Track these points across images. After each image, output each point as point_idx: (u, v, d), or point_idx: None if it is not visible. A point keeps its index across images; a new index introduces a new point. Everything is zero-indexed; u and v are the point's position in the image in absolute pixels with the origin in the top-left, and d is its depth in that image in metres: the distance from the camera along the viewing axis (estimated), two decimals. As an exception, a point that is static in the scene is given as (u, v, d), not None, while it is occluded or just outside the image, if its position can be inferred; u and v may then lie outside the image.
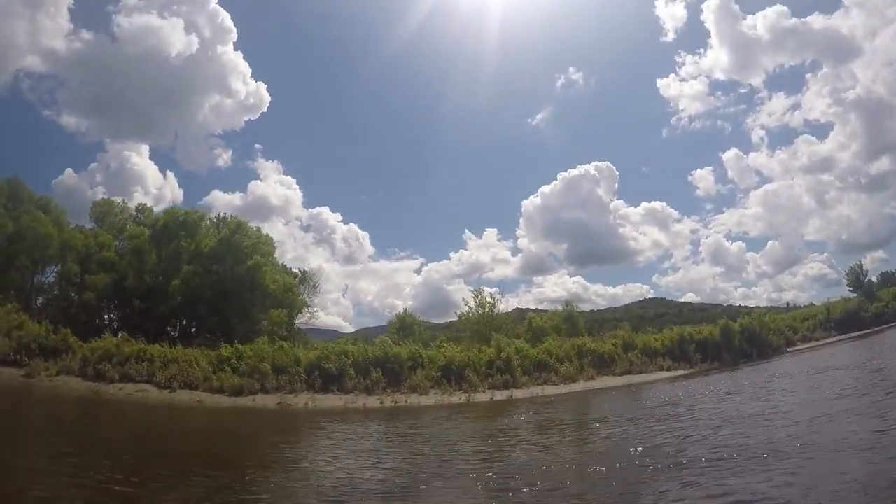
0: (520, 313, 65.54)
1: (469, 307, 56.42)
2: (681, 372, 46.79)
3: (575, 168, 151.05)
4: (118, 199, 55.67)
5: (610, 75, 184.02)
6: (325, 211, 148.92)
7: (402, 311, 53.33)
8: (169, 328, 52.34)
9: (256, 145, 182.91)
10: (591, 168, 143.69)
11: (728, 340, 52.47)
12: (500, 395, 36.99)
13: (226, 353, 37.32)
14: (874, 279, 75.63)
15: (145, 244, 49.27)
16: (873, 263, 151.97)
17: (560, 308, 65.01)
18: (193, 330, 51.99)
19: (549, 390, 39.08)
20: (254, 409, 32.37)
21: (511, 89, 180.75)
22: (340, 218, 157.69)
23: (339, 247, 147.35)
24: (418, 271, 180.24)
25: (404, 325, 50.72)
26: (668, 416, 20.21)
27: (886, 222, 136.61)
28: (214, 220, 53.57)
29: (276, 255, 56.06)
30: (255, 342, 38.88)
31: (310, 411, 32.25)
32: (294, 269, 56.32)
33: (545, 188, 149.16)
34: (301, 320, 53.46)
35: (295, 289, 52.73)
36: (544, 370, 42.09)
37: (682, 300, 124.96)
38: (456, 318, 56.40)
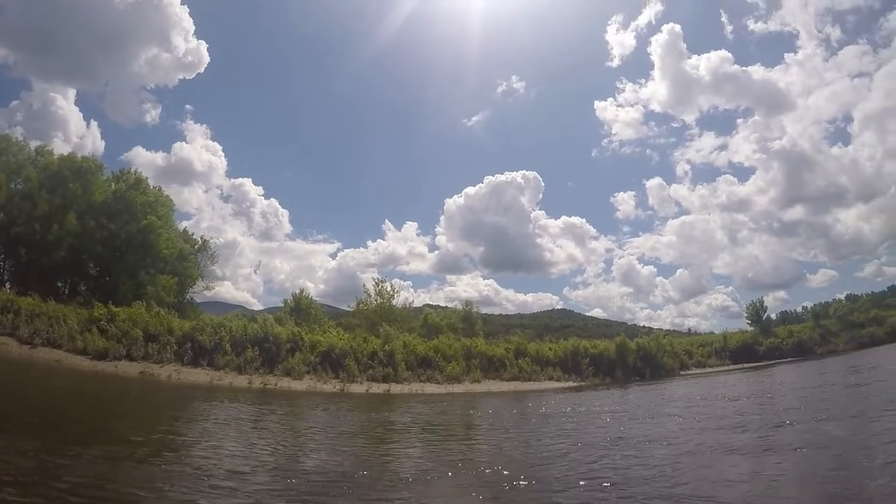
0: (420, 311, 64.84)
1: (368, 295, 55.95)
2: (571, 384, 47.41)
3: (503, 174, 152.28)
4: (17, 137, 51.30)
5: (551, 89, 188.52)
6: (247, 183, 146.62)
7: (298, 291, 51.41)
8: (60, 284, 49.63)
9: (187, 106, 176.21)
10: (518, 176, 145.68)
11: (623, 358, 53.52)
12: (378, 388, 36.28)
13: (97, 314, 35.34)
14: (773, 316, 79.63)
15: (36, 189, 46.07)
16: (774, 302, 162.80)
17: (460, 307, 64.99)
18: (84, 288, 49.44)
19: (431, 389, 38.65)
20: (114, 376, 30.72)
21: (453, 88, 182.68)
22: (262, 192, 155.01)
23: (256, 221, 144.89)
24: (334, 256, 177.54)
25: (299, 307, 49.27)
26: (538, 428, 19.72)
27: (791, 266, 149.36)
28: (115, 173, 50.38)
29: (185, 224, 53.71)
30: (132, 306, 36.94)
31: (172, 384, 30.86)
32: (196, 237, 53.73)
33: (470, 189, 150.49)
34: (196, 291, 51.36)
35: (192, 257, 50.51)
36: (429, 367, 41.70)
37: (590, 314, 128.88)
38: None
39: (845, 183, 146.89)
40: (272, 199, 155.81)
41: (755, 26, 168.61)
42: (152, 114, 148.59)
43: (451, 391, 39.23)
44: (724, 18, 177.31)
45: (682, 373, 58.16)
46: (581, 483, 9.32)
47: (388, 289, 56.23)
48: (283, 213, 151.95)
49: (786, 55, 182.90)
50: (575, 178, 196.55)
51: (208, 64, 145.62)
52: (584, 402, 28.78)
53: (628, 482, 8.96)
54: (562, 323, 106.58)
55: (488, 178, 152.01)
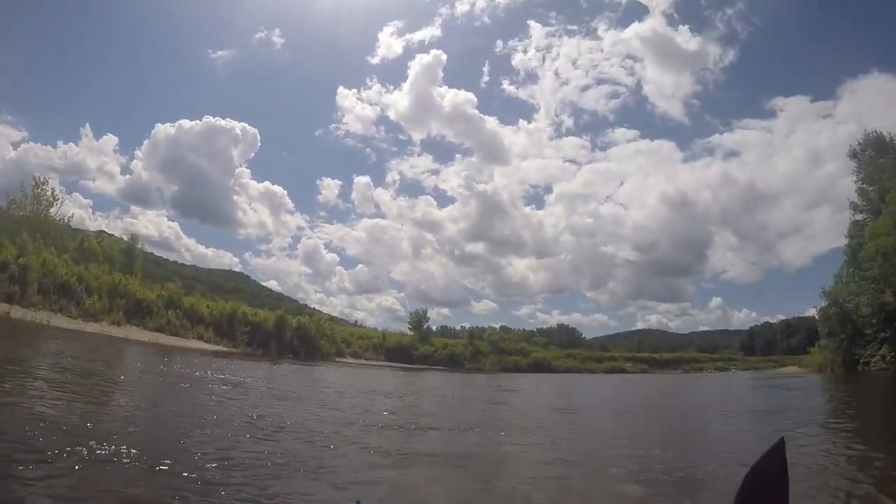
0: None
1: (24, 194, 48.37)
2: (221, 348, 47.54)
3: (224, 119, 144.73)
4: None
5: (306, 59, 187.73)
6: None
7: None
8: None
9: None
10: (238, 126, 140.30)
11: (281, 332, 56.19)
12: (-7, 308, 32.41)
13: None
14: (434, 328, 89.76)
15: None
16: (437, 317, 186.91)
17: (126, 238, 61.27)
18: None
19: (59, 321, 35.77)
20: None
21: (209, 13, 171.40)
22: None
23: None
24: (17, 145, 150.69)
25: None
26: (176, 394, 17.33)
27: (460, 290, 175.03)
28: None
29: None
30: None
31: None
32: None
33: (186, 123, 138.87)
34: None
35: None
36: (66, 296, 38.72)
37: (265, 284, 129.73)
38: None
39: (527, 238, 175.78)
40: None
41: (508, 87, 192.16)
42: None
43: (82, 329, 36.40)
44: (485, 69, 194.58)
45: (337, 359, 62.42)
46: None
47: (49, 194, 49.50)
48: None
49: (521, 121, 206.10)
50: (292, 149, 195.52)
51: None
52: (233, 372, 26.76)
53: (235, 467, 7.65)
54: (235, 286, 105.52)
55: (208, 118, 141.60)
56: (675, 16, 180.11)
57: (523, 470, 9.09)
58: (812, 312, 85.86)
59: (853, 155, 50.11)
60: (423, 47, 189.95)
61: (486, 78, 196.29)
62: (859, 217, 48.26)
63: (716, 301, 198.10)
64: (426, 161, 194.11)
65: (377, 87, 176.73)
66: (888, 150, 46.19)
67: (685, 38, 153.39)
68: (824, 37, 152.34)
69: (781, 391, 32.77)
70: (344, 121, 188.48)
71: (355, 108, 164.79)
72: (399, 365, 67.52)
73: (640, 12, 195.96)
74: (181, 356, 33.29)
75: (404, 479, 8.02)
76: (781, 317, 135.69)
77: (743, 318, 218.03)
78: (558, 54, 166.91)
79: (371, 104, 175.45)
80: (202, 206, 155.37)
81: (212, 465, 7.60)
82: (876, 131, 49.40)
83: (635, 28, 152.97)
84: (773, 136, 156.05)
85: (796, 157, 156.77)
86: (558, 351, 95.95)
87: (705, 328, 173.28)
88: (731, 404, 27.45)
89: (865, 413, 21.22)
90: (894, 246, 36.94)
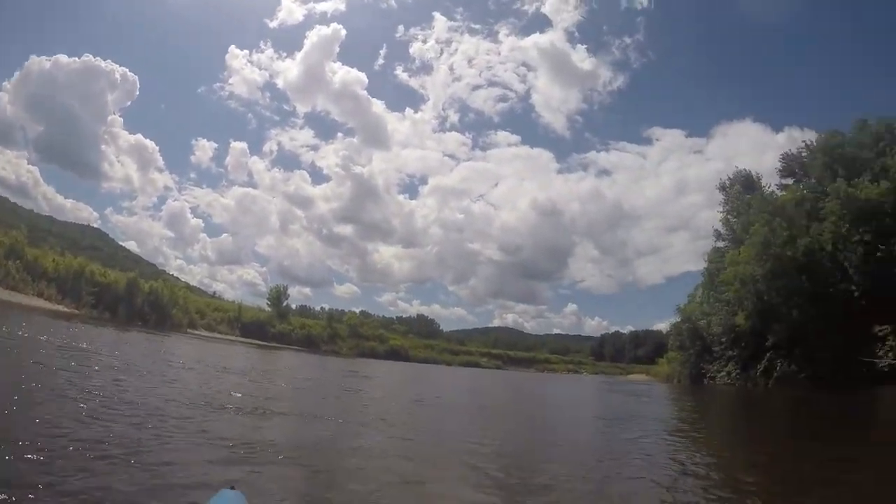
0: None
1: None
2: (63, 308, 42.32)
3: (105, 61, 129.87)
4: None
5: (204, 4, 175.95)
6: None
7: None
8: None
9: None
10: (118, 70, 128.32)
11: (132, 296, 50.32)
12: None
13: None
14: (294, 307, 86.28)
15: None
16: (298, 295, 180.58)
17: None
18: None
19: None
20: None
21: None
22: None
23: None
24: None
25: None
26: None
27: (323, 271, 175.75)
28: None
29: None
30: None
31: None
32: None
33: (63, 58, 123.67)
34: None
35: None
36: None
37: (124, 244, 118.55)
38: None
39: (396, 225, 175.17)
40: None
41: (401, 74, 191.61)
42: None
43: None
44: (382, 51, 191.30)
45: (189, 330, 58.02)
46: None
47: None
48: None
49: (408, 109, 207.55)
50: (171, 103, 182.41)
51: None
52: (73, 337, 23.37)
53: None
54: (91, 244, 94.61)
55: (88, 57, 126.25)
56: (576, 34, 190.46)
57: (374, 470, 8.21)
58: (660, 327, 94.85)
59: (722, 188, 54.67)
60: (325, 19, 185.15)
61: (381, 61, 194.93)
62: (721, 244, 52.94)
63: (571, 307, 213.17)
64: (307, 135, 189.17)
65: (270, 51, 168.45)
66: (755, 187, 51.01)
67: (581, 57, 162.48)
68: (709, 80, 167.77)
69: (633, 397, 34.47)
70: (230, 81, 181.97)
71: (244, 69, 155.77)
72: (254, 341, 64.61)
73: (544, 25, 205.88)
74: (15, 314, 30.38)
75: (245, 478, 6.66)
76: (631, 328, 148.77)
77: (595, 326, 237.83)
78: (457, 50, 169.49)
79: (261, 68, 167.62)
80: (67, 151, 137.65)
81: (27, 455, 6.02)
82: (745, 169, 54.15)
83: (535, 39, 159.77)
84: (646, 162, 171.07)
85: (664, 185, 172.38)
86: (417, 340, 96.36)
87: (559, 331, 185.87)
88: (590, 407, 28.16)
89: (714, 422, 22.93)
90: (752, 274, 40.75)
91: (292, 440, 9.78)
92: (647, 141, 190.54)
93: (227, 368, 24.71)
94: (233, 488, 5.17)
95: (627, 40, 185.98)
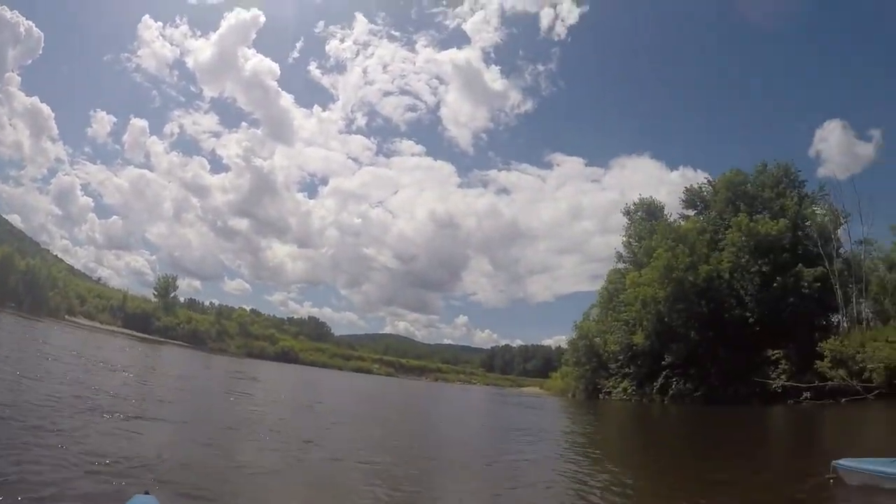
0: None
1: None
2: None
3: (11, 11, 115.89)
4: None
5: None
6: None
7: None
8: None
9: None
10: (23, 23, 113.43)
11: (5, 274, 45.05)
12: None
13: None
14: (182, 299, 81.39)
15: None
16: (188, 288, 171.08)
17: None
18: None
19: None
20: None
21: None
22: None
23: None
24: None
25: None
26: None
27: (216, 265, 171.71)
28: None
29: None
30: None
31: None
32: None
33: None
34: None
35: None
36: None
37: (6, 217, 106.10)
38: None
39: (292, 224, 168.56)
40: None
41: (314, 70, 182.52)
42: None
43: None
44: (299, 44, 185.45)
45: (67, 317, 53.06)
46: None
47: None
48: None
49: (316, 106, 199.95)
50: (75, 68, 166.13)
51: None
52: None
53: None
54: None
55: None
56: (492, 55, 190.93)
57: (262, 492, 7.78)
58: (548, 342, 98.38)
59: (627, 212, 57.46)
60: (246, 2, 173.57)
61: (296, 54, 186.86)
62: (621, 266, 55.92)
63: (462, 318, 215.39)
64: (211, 121, 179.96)
65: (185, 28, 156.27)
66: (658, 215, 54.27)
67: (493, 77, 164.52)
68: (613, 115, 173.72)
69: (531, 409, 35.66)
70: (139, 53, 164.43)
71: (155, 43, 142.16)
72: (136, 333, 59.88)
73: (462, 41, 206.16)
74: None
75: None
76: (520, 342, 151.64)
77: (485, 338, 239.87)
78: (373, 54, 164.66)
79: (172, 44, 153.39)
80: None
81: None
82: (650, 197, 57.30)
83: (452, 54, 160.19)
84: (545, 185, 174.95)
85: (560, 208, 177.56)
86: (308, 343, 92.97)
87: (449, 342, 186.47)
88: (487, 419, 28.71)
89: (613, 436, 24.36)
90: (654, 296, 43.25)
91: (174, 455, 8.78)
92: (548, 165, 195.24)
93: (105, 363, 23.22)
94: (147, 493, 5.08)
95: (541, 68, 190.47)
